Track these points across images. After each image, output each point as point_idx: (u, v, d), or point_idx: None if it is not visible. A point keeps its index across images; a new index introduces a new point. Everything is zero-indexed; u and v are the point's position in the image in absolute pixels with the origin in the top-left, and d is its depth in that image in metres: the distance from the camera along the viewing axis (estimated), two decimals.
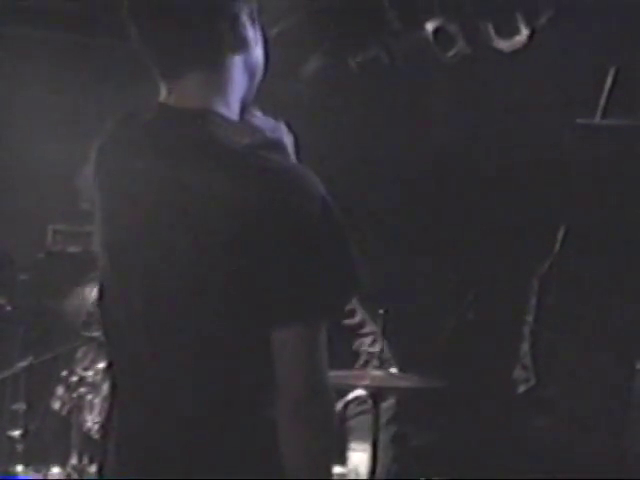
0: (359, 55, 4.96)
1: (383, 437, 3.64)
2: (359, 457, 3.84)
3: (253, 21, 1.99)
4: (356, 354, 4.06)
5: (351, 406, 3.75)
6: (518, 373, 4.48)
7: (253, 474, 1.89)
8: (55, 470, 4.01)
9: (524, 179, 4.44)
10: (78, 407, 4.01)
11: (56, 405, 4.08)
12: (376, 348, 3.83)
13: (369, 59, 4.94)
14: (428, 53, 4.66)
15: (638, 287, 4.15)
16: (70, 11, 5.04)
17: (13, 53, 5.14)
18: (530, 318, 4.46)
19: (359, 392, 3.57)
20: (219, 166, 1.86)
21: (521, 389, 4.47)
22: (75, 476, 3.93)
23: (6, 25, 5.05)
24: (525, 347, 4.46)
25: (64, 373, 4.08)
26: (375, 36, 4.87)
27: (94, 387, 4.01)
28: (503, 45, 4.40)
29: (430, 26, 4.60)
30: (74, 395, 4.03)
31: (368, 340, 4.05)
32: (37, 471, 4.02)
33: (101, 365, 4.01)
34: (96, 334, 3.95)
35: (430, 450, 4.40)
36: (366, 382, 3.55)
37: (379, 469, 3.57)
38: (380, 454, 3.56)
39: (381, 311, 3.64)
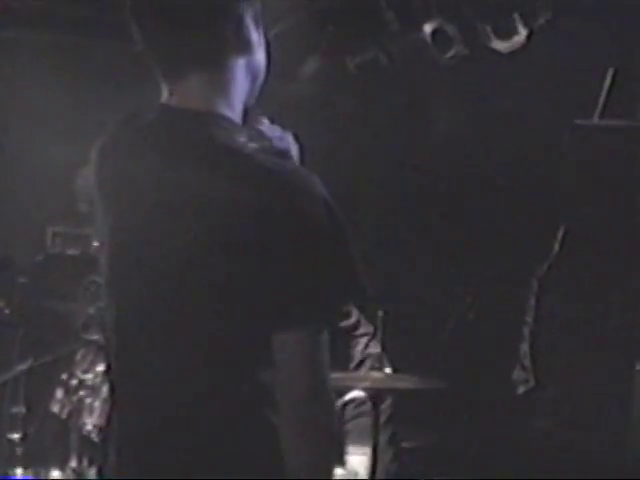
0: (357, 56, 4.95)
1: (381, 438, 3.63)
2: (358, 460, 3.82)
3: (257, 23, 1.98)
4: (351, 356, 4.05)
5: (349, 408, 3.74)
6: (518, 374, 4.48)
7: (253, 475, 1.88)
8: (54, 473, 4.00)
9: (523, 179, 4.45)
10: (77, 410, 3.99)
11: (55, 408, 4.07)
12: (371, 349, 3.82)
13: (367, 60, 4.94)
14: (426, 54, 4.65)
15: (638, 287, 4.15)
16: (71, 13, 5.03)
17: (13, 55, 5.13)
18: (530, 318, 4.46)
19: (356, 393, 3.56)
20: (221, 167, 1.86)
21: (521, 390, 4.47)
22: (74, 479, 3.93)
23: (6, 27, 5.04)
24: (525, 348, 4.46)
25: (63, 376, 4.07)
26: (373, 37, 4.86)
27: (93, 390, 4.00)
28: (501, 46, 4.39)
29: (428, 27, 4.59)
30: (73, 398, 4.01)
31: (363, 341, 4.04)
32: (36, 474, 4.00)
33: (100, 368, 3.99)
34: (95, 337, 3.95)
35: (430, 450, 4.40)
36: (366, 384, 3.54)
37: (378, 470, 3.57)
38: (379, 455, 3.55)
39: (380, 313, 3.63)
